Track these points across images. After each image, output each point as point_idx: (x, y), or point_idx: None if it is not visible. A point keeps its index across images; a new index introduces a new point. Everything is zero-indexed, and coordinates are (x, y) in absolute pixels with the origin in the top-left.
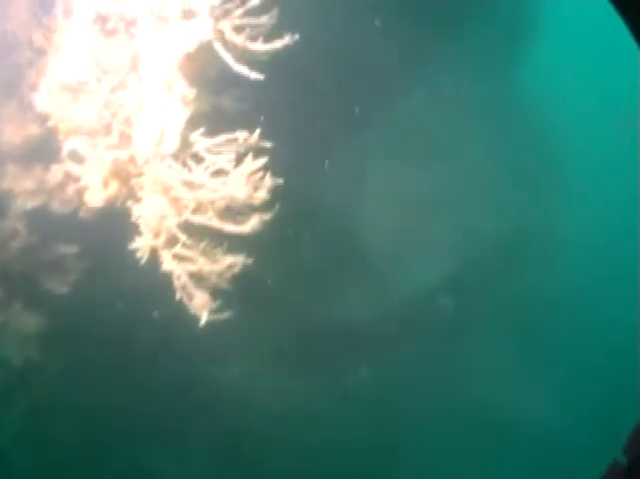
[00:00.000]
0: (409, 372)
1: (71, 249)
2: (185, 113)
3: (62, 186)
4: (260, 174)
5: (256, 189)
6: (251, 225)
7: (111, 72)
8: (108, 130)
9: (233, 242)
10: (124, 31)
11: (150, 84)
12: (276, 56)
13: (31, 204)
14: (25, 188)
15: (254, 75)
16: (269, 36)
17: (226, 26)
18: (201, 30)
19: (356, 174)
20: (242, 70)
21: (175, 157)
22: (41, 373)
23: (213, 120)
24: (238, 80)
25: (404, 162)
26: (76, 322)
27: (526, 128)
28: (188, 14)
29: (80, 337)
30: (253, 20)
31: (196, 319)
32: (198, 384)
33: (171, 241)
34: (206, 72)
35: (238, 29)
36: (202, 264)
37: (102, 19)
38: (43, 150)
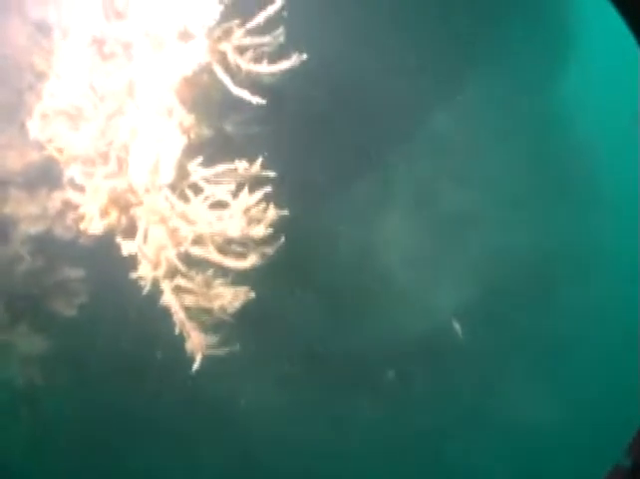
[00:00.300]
0: (423, 403)
1: (76, 273)
2: (183, 140)
3: (62, 213)
4: (262, 205)
5: (258, 221)
6: (252, 259)
7: (107, 97)
8: (105, 158)
9: (240, 272)
10: (120, 54)
11: (145, 110)
12: (285, 78)
13: (34, 229)
14: (28, 213)
15: (256, 99)
16: (277, 56)
17: (228, 47)
18: (199, 52)
19: (374, 197)
20: (243, 94)
21: (173, 187)
22: (45, 394)
23: (217, 146)
24: (245, 104)
25: (428, 182)
26: (82, 344)
27: (559, 145)
28: (186, 36)
29: (86, 359)
30: (257, 40)
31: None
32: (205, 406)
33: (172, 272)
34: (209, 96)
35: (241, 50)
36: (204, 297)
37: (98, 42)
38: (46, 175)
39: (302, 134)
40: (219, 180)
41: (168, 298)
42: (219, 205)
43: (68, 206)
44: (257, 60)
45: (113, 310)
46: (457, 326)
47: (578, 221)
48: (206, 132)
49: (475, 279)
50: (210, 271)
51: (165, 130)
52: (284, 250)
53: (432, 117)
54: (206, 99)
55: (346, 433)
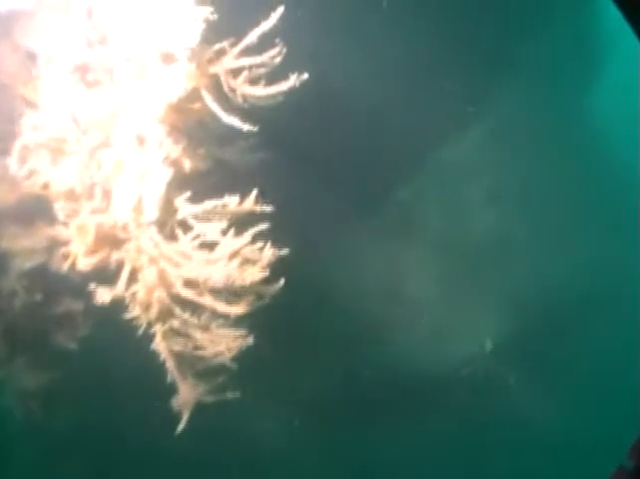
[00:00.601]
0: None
1: (76, 306)
2: (168, 174)
3: (52, 248)
4: (258, 245)
5: (253, 263)
6: (245, 304)
7: (90, 128)
8: (90, 193)
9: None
10: (104, 82)
11: (129, 141)
12: (291, 104)
13: (29, 263)
14: (23, 247)
15: (247, 127)
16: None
17: (220, 69)
18: (184, 77)
19: (396, 226)
20: (234, 121)
21: (162, 224)
22: (44, 428)
23: (218, 178)
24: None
25: (458, 204)
26: (84, 377)
27: (593, 164)
28: (170, 60)
29: (88, 392)
30: (252, 60)
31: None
32: (210, 437)
33: (165, 315)
34: (203, 123)
35: (235, 72)
36: (200, 341)
37: (81, 69)
38: (41, 208)
39: (308, 163)
40: (210, 217)
41: (159, 344)
42: (211, 244)
43: (57, 242)
44: (254, 82)
45: (115, 343)
46: (488, 345)
47: (616, 245)
48: (202, 163)
49: (506, 309)
50: (207, 314)
51: (150, 163)
52: (292, 293)
53: (458, 138)
54: (201, 127)
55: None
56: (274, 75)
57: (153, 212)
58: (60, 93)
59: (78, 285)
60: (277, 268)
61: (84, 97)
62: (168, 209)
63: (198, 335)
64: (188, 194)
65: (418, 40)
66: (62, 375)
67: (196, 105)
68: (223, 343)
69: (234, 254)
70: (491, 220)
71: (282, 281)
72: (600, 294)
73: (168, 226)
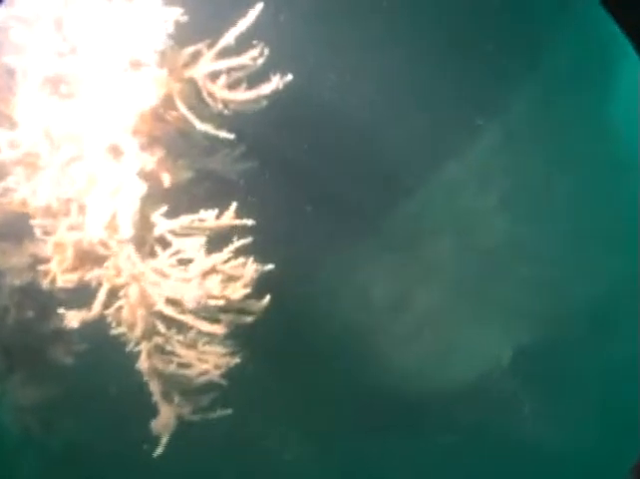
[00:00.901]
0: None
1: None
2: (142, 188)
3: (37, 265)
4: (240, 260)
5: (235, 280)
6: (229, 322)
7: (63, 142)
8: (67, 209)
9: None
10: (75, 94)
11: (101, 155)
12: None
13: (19, 280)
14: (12, 264)
15: (223, 134)
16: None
17: (197, 73)
18: (155, 83)
19: (409, 229)
20: (207, 129)
21: (141, 241)
22: (42, 443)
23: (201, 189)
24: (239, 137)
25: (469, 212)
26: (82, 392)
27: (618, 170)
28: (140, 65)
29: (86, 408)
30: (232, 62)
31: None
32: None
33: (150, 333)
34: (185, 132)
35: (214, 76)
36: (187, 359)
37: (52, 82)
38: (28, 225)
39: (300, 173)
40: (188, 232)
41: (143, 363)
42: (191, 261)
43: (40, 259)
44: (233, 86)
45: (111, 357)
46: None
47: (636, 257)
48: (183, 175)
49: (518, 322)
50: (193, 331)
51: (124, 176)
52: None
53: (469, 145)
54: (182, 136)
55: None
56: (258, 78)
57: (127, 228)
58: (34, 107)
59: (71, 300)
60: (268, 285)
61: (57, 110)
62: (146, 224)
63: (185, 353)
64: (165, 208)
65: (424, 43)
66: (59, 390)
67: (175, 113)
68: (211, 361)
69: (213, 271)
70: (505, 227)
71: (268, 298)
72: (617, 308)
73: (147, 242)
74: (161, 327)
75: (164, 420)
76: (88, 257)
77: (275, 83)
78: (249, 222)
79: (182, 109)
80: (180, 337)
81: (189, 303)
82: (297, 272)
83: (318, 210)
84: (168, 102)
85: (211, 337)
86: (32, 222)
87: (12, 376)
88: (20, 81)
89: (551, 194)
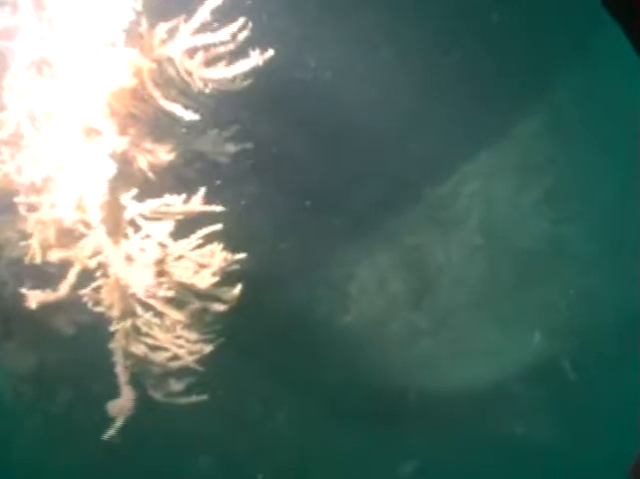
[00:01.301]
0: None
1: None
2: (113, 169)
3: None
4: (208, 248)
5: (203, 267)
6: (197, 311)
7: (44, 122)
8: (48, 188)
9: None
10: (56, 75)
11: (77, 135)
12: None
13: (17, 253)
14: (7, 237)
15: (189, 115)
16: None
17: (175, 50)
18: (132, 60)
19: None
20: (176, 109)
21: (115, 223)
22: (35, 410)
23: (186, 171)
24: (231, 117)
25: (511, 206)
26: (80, 362)
27: None
28: (116, 43)
29: (84, 377)
30: (211, 38)
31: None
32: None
33: (127, 314)
34: (166, 112)
35: (191, 53)
36: (163, 343)
37: (36, 63)
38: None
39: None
40: (160, 216)
41: (116, 342)
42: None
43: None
44: (211, 63)
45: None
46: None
47: None
48: (165, 156)
49: (552, 330)
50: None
51: (96, 157)
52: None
53: (514, 129)
54: (167, 116)
55: None
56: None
57: (95, 210)
58: (18, 89)
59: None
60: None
61: (40, 91)
62: (117, 206)
63: (160, 336)
64: (135, 191)
65: (464, 21)
66: (57, 359)
67: (159, 93)
68: (186, 347)
69: (182, 258)
70: (544, 225)
71: (239, 287)
72: None
73: (120, 225)
74: (139, 309)
75: (123, 403)
76: (68, 237)
77: (255, 60)
78: (218, 208)
79: (150, 87)
80: (158, 320)
81: (139, 292)
82: (305, 261)
83: (321, 206)
84: (151, 82)
85: (192, 323)
86: (15, 199)
87: (9, 343)
88: (5, 64)
89: (596, 188)
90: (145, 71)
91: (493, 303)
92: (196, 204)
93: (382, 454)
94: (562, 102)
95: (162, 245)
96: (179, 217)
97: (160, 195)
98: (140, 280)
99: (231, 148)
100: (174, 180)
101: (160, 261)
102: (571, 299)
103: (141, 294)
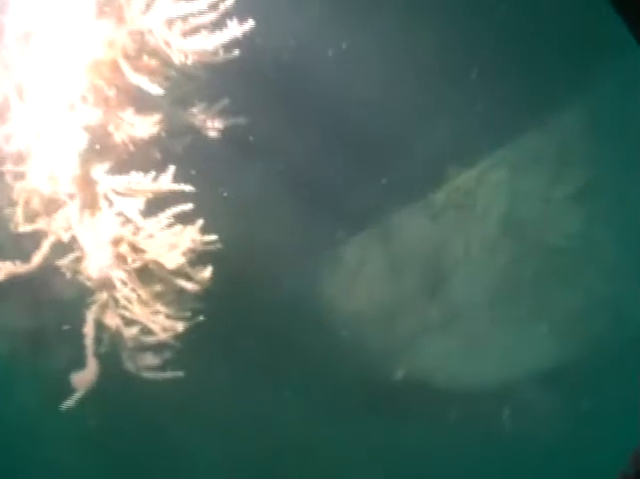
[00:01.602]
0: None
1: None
2: (82, 141)
3: None
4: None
5: (173, 247)
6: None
7: (28, 95)
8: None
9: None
10: (44, 48)
11: (57, 106)
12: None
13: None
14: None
15: (155, 89)
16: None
17: (154, 22)
18: (107, 32)
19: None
20: (142, 82)
21: (90, 196)
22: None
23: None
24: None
25: (544, 201)
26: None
27: None
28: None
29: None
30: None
31: None
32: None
33: (106, 286)
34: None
35: (170, 24)
36: (139, 318)
37: (23, 37)
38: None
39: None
40: (132, 192)
41: (90, 314)
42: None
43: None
44: (188, 34)
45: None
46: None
47: None
48: (150, 128)
49: (572, 336)
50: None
51: (71, 129)
52: None
53: (552, 120)
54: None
55: None
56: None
57: (66, 181)
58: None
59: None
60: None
61: (24, 64)
62: (88, 180)
63: (138, 311)
64: (107, 165)
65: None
66: (54, 321)
67: (145, 63)
68: (160, 322)
69: (151, 237)
70: (572, 224)
71: (210, 269)
72: None
73: (94, 199)
74: (118, 283)
75: (87, 376)
76: (49, 208)
77: (233, 31)
78: (187, 188)
79: (120, 59)
80: (134, 295)
81: (93, 272)
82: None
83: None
84: (135, 54)
85: (172, 298)
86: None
87: (6, 302)
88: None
89: (631, 193)
90: (118, 43)
91: (510, 302)
92: (166, 182)
93: (382, 447)
94: (605, 96)
95: (130, 222)
96: (149, 194)
97: (143, 169)
98: (96, 260)
99: (220, 122)
100: (161, 154)
101: (118, 241)
102: (592, 305)
103: (94, 275)
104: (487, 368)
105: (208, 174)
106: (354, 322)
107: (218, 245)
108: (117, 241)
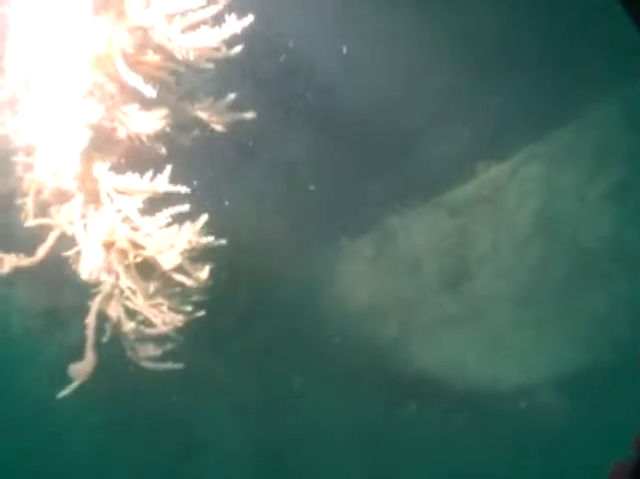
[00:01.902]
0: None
1: None
2: (85, 137)
3: None
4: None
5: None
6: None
7: (37, 87)
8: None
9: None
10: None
11: (65, 101)
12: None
13: None
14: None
15: (149, 90)
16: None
17: (155, 18)
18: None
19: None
20: (135, 80)
21: (93, 192)
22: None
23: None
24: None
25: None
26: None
27: None
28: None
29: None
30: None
31: None
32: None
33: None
34: (164, 80)
35: (170, 19)
36: (142, 310)
37: (32, 28)
38: None
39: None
40: (131, 191)
41: (93, 303)
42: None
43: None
44: (188, 30)
45: None
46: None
47: None
48: (152, 125)
49: (596, 342)
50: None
51: (75, 124)
52: None
53: (587, 114)
54: (163, 84)
55: None
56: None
57: (68, 177)
58: (18, 53)
59: None
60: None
61: (33, 57)
62: (91, 177)
63: (141, 303)
64: (109, 162)
65: None
66: (69, 302)
67: (150, 58)
68: (163, 315)
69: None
70: (606, 224)
71: (208, 268)
72: None
73: (96, 196)
74: (121, 274)
75: (85, 367)
76: (59, 200)
77: (233, 26)
78: (183, 189)
79: (118, 58)
80: (138, 287)
81: (82, 273)
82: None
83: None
84: (142, 48)
85: (175, 292)
86: (13, 159)
87: (21, 281)
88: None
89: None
90: (117, 39)
91: (535, 302)
92: (165, 183)
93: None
94: None
95: (129, 221)
96: (149, 194)
97: (148, 165)
98: (88, 261)
99: (230, 117)
100: (167, 150)
101: (117, 239)
102: (618, 309)
103: (84, 277)
104: (507, 368)
105: (210, 171)
106: (369, 317)
107: (220, 242)
108: (114, 240)
